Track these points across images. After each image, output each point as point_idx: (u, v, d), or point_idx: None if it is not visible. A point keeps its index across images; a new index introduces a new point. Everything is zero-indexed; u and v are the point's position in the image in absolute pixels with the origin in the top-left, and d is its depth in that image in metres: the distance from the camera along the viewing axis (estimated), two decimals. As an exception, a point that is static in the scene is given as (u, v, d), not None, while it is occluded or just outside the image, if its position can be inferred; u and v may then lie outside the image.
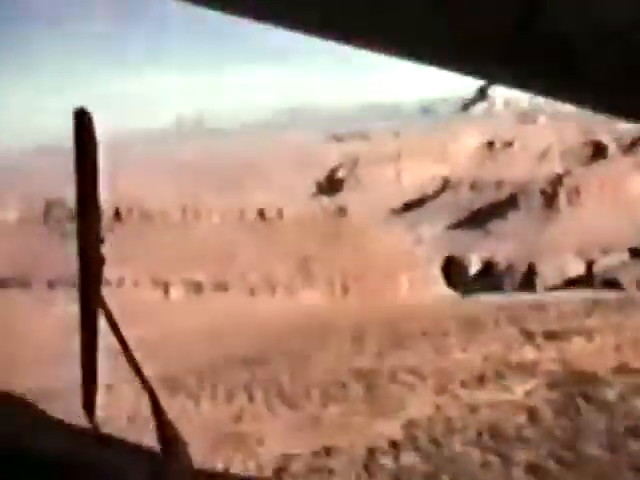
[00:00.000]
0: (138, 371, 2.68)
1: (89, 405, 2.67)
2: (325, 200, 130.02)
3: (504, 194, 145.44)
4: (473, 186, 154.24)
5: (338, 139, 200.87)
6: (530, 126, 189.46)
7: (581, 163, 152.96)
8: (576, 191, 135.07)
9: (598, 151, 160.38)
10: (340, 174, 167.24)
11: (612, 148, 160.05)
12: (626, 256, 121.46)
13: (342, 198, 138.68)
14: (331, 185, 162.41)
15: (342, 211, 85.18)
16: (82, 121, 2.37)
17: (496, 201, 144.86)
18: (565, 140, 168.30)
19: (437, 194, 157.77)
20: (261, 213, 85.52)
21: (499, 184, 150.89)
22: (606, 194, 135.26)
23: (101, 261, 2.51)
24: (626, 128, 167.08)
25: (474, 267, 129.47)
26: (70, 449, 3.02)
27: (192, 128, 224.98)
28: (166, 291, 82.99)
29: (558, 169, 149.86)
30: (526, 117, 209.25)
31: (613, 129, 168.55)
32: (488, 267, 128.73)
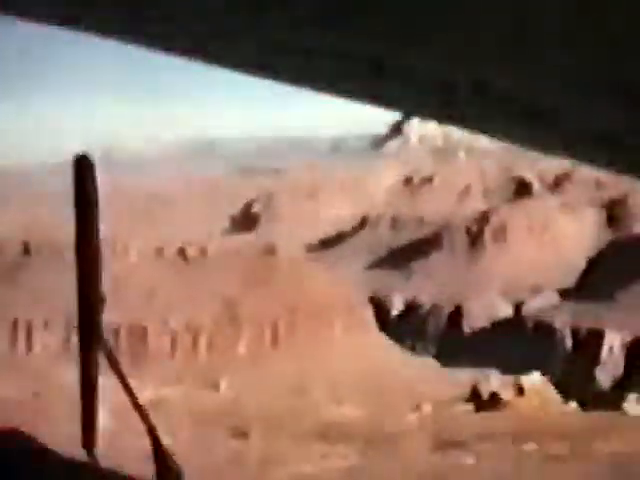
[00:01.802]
0: (142, 414, 2.62)
1: (89, 445, 2.70)
2: (240, 236, 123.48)
3: (426, 232, 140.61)
4: (393, 223, 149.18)
5: (249, 173, 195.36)
6: (449, 162, 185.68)
7: (505, 200, 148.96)
8: (502, 229, 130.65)
9: (522, 188, 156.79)
10: (255, 209, 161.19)
11: (536, 186, 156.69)
12: (555, 297, 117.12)
13: (258, 234, 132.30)
14: (246, 220, 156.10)
15: (270, 249, 78.51)
16: (82, 166, 2.45)
17: (418, 239, 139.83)
18: (486, 177, 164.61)
19: (355, 231, 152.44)
20: (182, 251, 78.49)
21: (420, 221, 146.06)
22: (533, 233, 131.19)
23: (102, 300, 2.59)
24: (548, 165, 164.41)
25: (396, 308, 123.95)
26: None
27: (98, 161, 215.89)
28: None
29: (481, 206, 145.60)
30: (443, 153, 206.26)
31: (534, 166, 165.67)
32: (411, 308, 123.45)
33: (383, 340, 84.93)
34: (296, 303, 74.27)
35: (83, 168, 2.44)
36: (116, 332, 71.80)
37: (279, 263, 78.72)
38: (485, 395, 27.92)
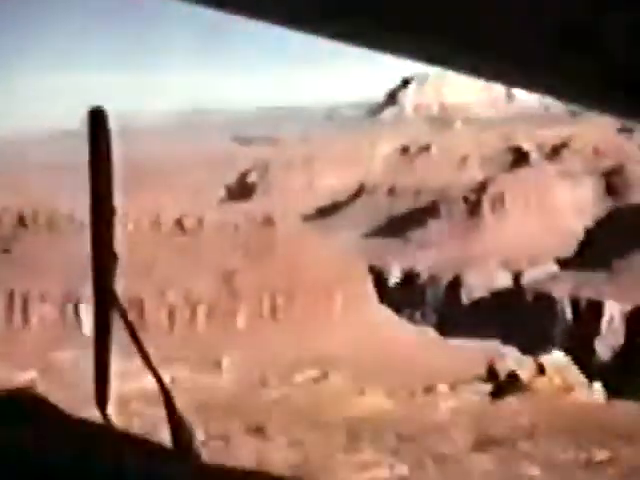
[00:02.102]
0: (152, 368, 2.70)
1: (102, 401, 2.75)
2: (237, 206, 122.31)
3: (424, 201, 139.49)
4: (390, 192, 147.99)
5: (245, 142, 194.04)
6: (446, 131, 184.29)
7: (503, 170, 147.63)
8: (500, 199, 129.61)
9: (520, 158, 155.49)
10: (251, 178, 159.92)
11: (534, 155, 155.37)
12: (554, 267, 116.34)
13: (254, 203, 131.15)
14: (242, 190, 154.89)
15: (269, 220, 77.27)
16: (97, 119, 2.45)
17: (415, 208, 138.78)
18: (484, 146, 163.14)
19: (352, 200, 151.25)
20: (179, 222, 77.15)
21: (417, 190, 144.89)
22: (531, 202, 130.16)
23: (115, 258, 2.63)
24: (546, 134, 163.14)
25: (394, 278, 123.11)
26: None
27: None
28: (76, 308, 74.29)
29: (479, 176, 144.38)
30: (439, 122, 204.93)
31: (532, 134, 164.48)
32: (409, 278, 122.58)
33: (385, 312, 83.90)
34: (295, 275, 73.30)
35: (98, 122, 2.42)
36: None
37: (277, 234, 77.69)
38: (502, 375, 26.96)
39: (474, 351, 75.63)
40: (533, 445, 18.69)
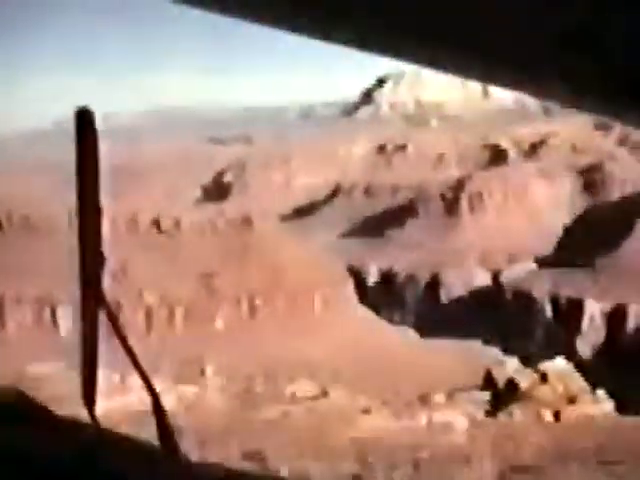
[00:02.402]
0: (138, 367, 2.73)
1: (89, 399, 2.78)
2: (214, 207, 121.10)
3: (401, 200, 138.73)
4: (367, 191, 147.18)
5: (220, 142, 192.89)
6: (422, 130, 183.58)
7: (480, 168, 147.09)
8: (478, 197, 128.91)
9: (497, 155, 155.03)
10: (227, 178, 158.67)
11: (512, 152, 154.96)
12: (533, 265, 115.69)
13: (231, 203, 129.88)
14: (218, 190, 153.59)
15: (247, 221, 76.04)
16: (84, 120, 2.47)
17: (392, 207, 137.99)
18: (461, 144, 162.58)
19: (329, 200, 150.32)
20: (155, 222, 75.79)
21: (395, 189, 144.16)
22: (509, 200, 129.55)
23: (102, 260, 2.64)
24: (523, 131, 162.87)
25: (372, 278, 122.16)
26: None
27: (72, 131, 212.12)
28: (53, 312, 72.78)
29: (456, 174, 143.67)
30: (415, 120, 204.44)
31: (509, 132, 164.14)
32: (387, 278, 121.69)
33: (365, 314, 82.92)
34: (274, 277, 72.19)
35: (85, 122, 2.44)
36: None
37: (256, 235, 76.55)
38: (501, 382, 25.93)
39: (456, 352, 74.91)
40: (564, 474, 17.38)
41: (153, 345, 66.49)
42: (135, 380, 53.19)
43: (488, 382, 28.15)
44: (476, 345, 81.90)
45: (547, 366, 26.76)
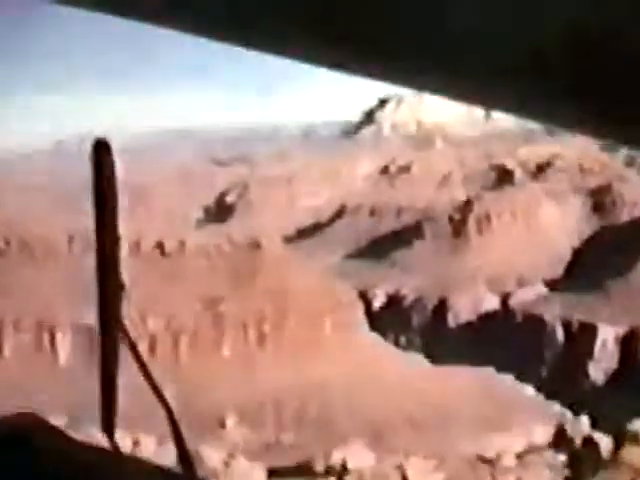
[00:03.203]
0: (159, 394, 2.65)
1: (109, 428, 2.74)
2: (218, 229, 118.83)
3: (406, 221, 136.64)
4: (372, 212, 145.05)
5: (221, 163, 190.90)
6: (426, 150, 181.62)
7: (486, 189, 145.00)
8: (486, 218, 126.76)
9: (504, 176, 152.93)
10: (229, 199, 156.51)
11: (518, 173, 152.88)
12: (543, 288, 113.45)
13: (234, 225, 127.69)
14: (220, 210, 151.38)
15: (254, 243, 73.74)
16: (101, 151, 2.49)
17: (398, 229, 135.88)
18: (466, 164, 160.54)
19: (333, 220, 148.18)
20: (159, 245, 73.49)
21: (400, 210, 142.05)
22: (518, 222, 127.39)
23: (121, 288, 2.65)
24: (528, 152, 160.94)
25: (379, 301, 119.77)
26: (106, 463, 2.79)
27: (73, 152, 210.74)
28: (52, 337, 70.37)
29: (462, 195, 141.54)
30: (418, 141, 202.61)
31: (515, 153, 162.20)
32: (394, 301, 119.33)
33: (376, 339, 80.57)
34: (282, 301, 69.82)
35: (102, 152, 2.47)
36: (90, 332, 67.02)
37: (263, 258, 74.20)
38: (578, 439, 23.48)
39: (471, 380, 72.54)
40: None
41: (157, 374, 64.08)
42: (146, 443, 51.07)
43: (560, 439, 25.62)
44: (489, 371, 79.23)
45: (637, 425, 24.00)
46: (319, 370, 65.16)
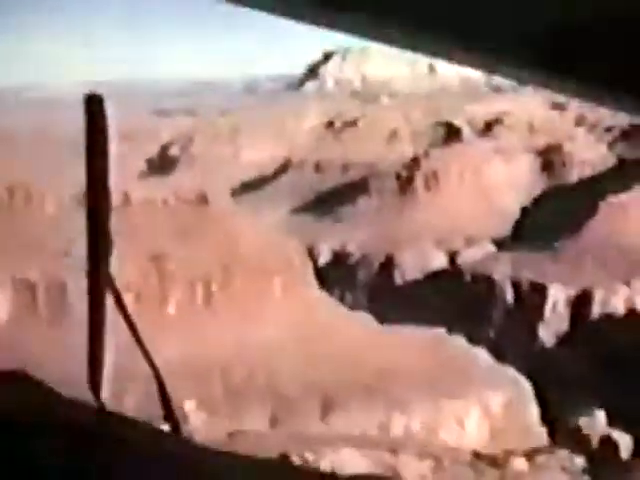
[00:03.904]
0: (145, 352, 2.84)
1: (95, 383, 2.83)
2: (160, 180, 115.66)
3: (352, 177, 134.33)
4: (317, 167, 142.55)
5: (164, 115, 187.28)
6: (372, 106, 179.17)
7: (434, 145, 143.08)
8: (434, 176, 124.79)
9: (451, 133, 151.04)
10: (173, 151, 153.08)
11: (466, 131, 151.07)
12: (491, 247, 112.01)
13: (178, 177, 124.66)
14: (164, 163, 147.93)
15: (202, 198, 70.91)
16: (93, 105, 2.57)
17: (344, 184, 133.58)
18: (413, 121, 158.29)
19: (278, 175, 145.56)
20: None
21: (346, 166, 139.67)
22: (466, 179, 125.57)
23: (110, 241, 2.79)
24: (476, 109, 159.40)
25: (324, 257, 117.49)
26: (92, 421, 3.10)
27: (11, 99, 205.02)
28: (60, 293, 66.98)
29: (409, 152, 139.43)
30: (363, 96, 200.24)
31: (461, 110, 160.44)
32: (339, 258, 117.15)
33: (327, 299, 78.30)
34: (231, 258, 67.21)
35: (95, 106, 2.50)
36: (33, 289, 63.97)
37: (210, 213, 71.45)
38: (595, 440, 21.45)
39: (422, 343, 70.69)
40: None
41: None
42: (71, 347, 48.48)
43: (574, 438, 23.47)
44: (440, 333, 77.50)
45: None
46: (267, 333, 63.01)
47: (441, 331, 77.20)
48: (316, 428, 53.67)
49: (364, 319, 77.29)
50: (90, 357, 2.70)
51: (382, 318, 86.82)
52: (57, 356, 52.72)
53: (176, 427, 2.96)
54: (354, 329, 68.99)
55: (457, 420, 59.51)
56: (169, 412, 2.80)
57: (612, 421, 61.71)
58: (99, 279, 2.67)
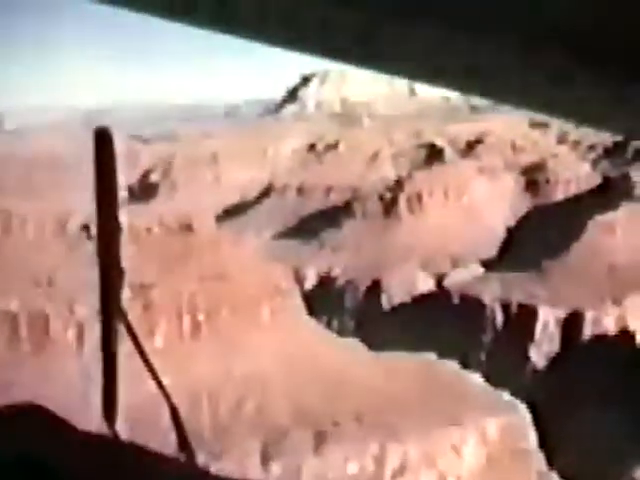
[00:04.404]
0: (156, 378, 2.85)
1: (110, 415, 2.85)
2: (142, 207, 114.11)
3: (335, 200, 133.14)
4: (300, 191, 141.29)
5: (143, 141, 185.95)
6: (352, 128, 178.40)
7: (416, 167, 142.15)
8: (417, 197, 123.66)
9: (433, 154, 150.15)
10: (153, 177, 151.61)
11: (448, 151, 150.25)
12: (479, 268, 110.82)
13: (158, 204, 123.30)
14: (145, 190, 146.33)
15: (187, 226, 69.43)
16: (103, 139, 2.63)
17: (327, 208, 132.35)
18: (395, 143, 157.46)
19: (260, 199, 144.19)
20: (86, 227, 68.74)
21: (328, 189, 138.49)
22: (450, 201, 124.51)
23: (122, 273, 2.77)
24: (457, 129, 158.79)
25: (309, 282, 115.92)
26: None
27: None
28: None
29: (391, 174, 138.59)
30: (344, 119, 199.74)
31: (443, 130, 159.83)
32: (325, 282, 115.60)
33: (316, 327, 76.77)
34: (217, 287, 65.66)
35: (104, 141, 2.54)
36: (14, 321, 62.11)
37: (195, 241, 69.96)
38: None
39: (414, 368, 69.27)
40: None
41: (85, 364, 59.77)
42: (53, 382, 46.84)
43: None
44: (432, 358, 76.09)
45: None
46: (257, 362, 61.46)
47: (432, 355, 75.77)
48: (310, 461, 52.19)
49: (353, 345, 75.80)
50: (104, 388, 2.66)
51: (371, 343, 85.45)
52: (41, 388, 51.24)
53: (191, 455, 3.24)
54: (344, 356, 67.51)
55: (454, 448, 58.06)
56: (183, 440, 2.77)
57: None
58: (112, 313, 2.59)
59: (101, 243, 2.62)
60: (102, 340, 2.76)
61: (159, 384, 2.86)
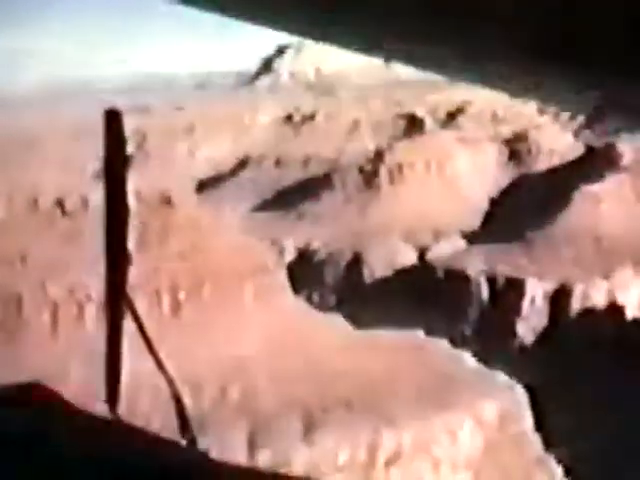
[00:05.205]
0: (162, 366, 2.83)
1: (112, 399, 2.87)
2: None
3: (314, 171, 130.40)
4: (277, 163, 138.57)
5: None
6: (329, 99, 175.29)
7: (396, 137, 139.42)
8: (398, 169, 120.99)
9: (413, 125, 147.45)
10: (127, 150, 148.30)
11: (428, 121, 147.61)
12: (461, 241, 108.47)
13: (133, 177, 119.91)
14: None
15: (166, 199, 66.62)
16: (112, 120, 2.61)
17: (306, 180, 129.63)
18: (373, 113, 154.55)
19: (236, 172, 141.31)
20: (59, 202, 65.73)
21: (306, 160, 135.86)
22: (431, 172, 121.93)
23: (128, 259, 2.74)
24: (437, 99, 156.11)
25: (288, 256, 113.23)
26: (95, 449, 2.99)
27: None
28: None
29: (371, 145, 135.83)
30: (320, 89, 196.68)
31: (423, 100, 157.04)
32: (304, 256, 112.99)
33: (300, 305, 74.13)
34: (198, 265, 62.96)
35: (114, 121, 2.50)
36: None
37: (174, 215, 67.14)
38: None
39: (402, 347, 66.86)
40: None
41: (61, 347, 57.15)
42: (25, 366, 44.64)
43: None
44: (419, 336, 73.70)
45: None
46: (240, 343, 58.95)
47: (419, 333, 73.38)
48: (299, 449, 49.82)
49: (339, 324, 73.14)
50: (107, 374, 2.64)
51: (355, 320, 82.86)
52: (15, 374, 48.26)
53: (192, 440, 2.81)
54: (331, 337, 64.99)
55: (450, 433, 55.81)
56: (185, 425, 2.71)
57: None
58: (117, 297, 2.54)
59: (109, 225, 2.47)
60: (107, 324, 2.69)
61: (163, 371, 2.74)
